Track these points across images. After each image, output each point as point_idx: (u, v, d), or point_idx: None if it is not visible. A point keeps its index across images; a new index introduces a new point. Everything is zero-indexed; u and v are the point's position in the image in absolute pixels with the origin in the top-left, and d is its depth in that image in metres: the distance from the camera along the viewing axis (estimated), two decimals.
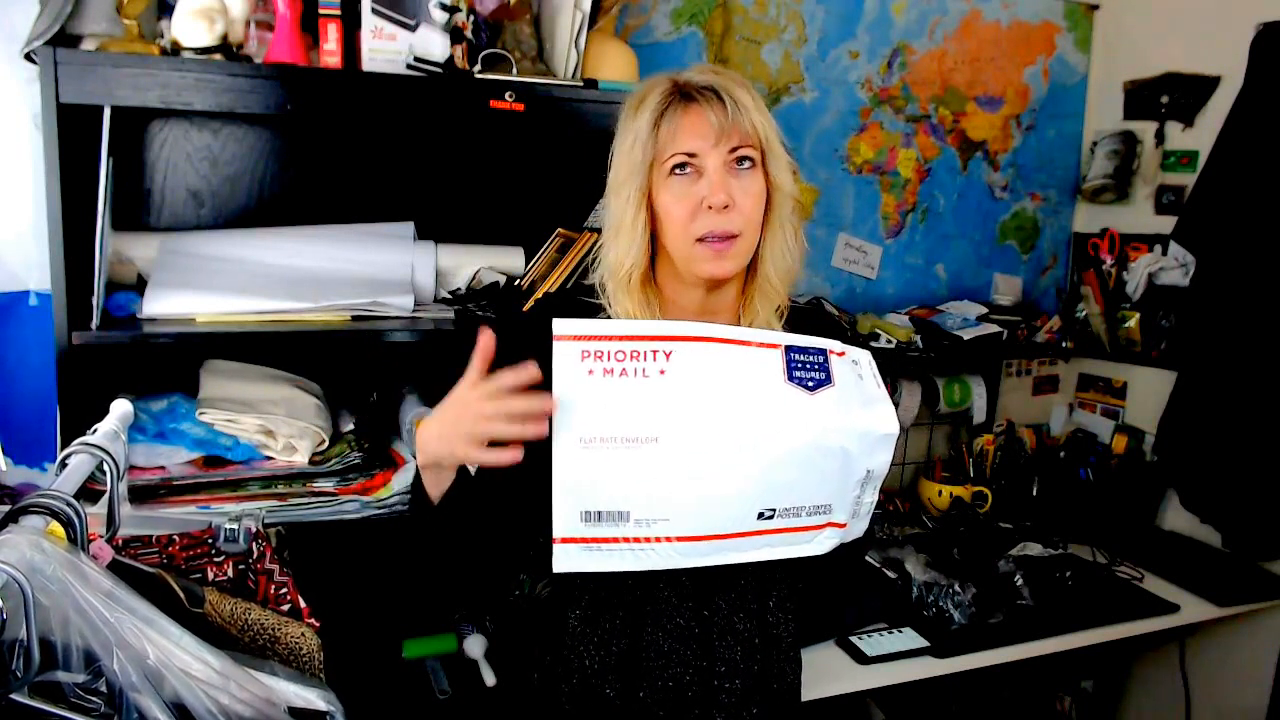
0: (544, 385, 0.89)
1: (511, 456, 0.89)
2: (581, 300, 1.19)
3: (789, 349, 0.95)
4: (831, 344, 0.99)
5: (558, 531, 0.89)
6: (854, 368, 1.00)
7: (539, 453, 0.90)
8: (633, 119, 1.13)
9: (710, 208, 1.08)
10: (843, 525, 1.01)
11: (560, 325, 0.87)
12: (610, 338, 0.88)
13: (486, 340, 0.95)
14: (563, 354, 0.87)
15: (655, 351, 0.88)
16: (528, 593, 1.86)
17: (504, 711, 1.62)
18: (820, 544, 1.00)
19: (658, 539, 0.91)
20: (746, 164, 1.11)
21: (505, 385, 0.91)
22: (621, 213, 1.13)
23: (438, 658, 1.73)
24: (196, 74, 1.45)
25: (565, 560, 0.90)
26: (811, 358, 0.96)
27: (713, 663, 1.16)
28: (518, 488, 0.99)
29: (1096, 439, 2.70)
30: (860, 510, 1.03)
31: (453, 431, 0.94)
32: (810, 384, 0.94)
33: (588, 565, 0.91)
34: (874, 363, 1.04)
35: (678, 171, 1.10)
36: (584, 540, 0.90)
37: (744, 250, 1.13)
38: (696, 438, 0.89)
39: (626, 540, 0.90)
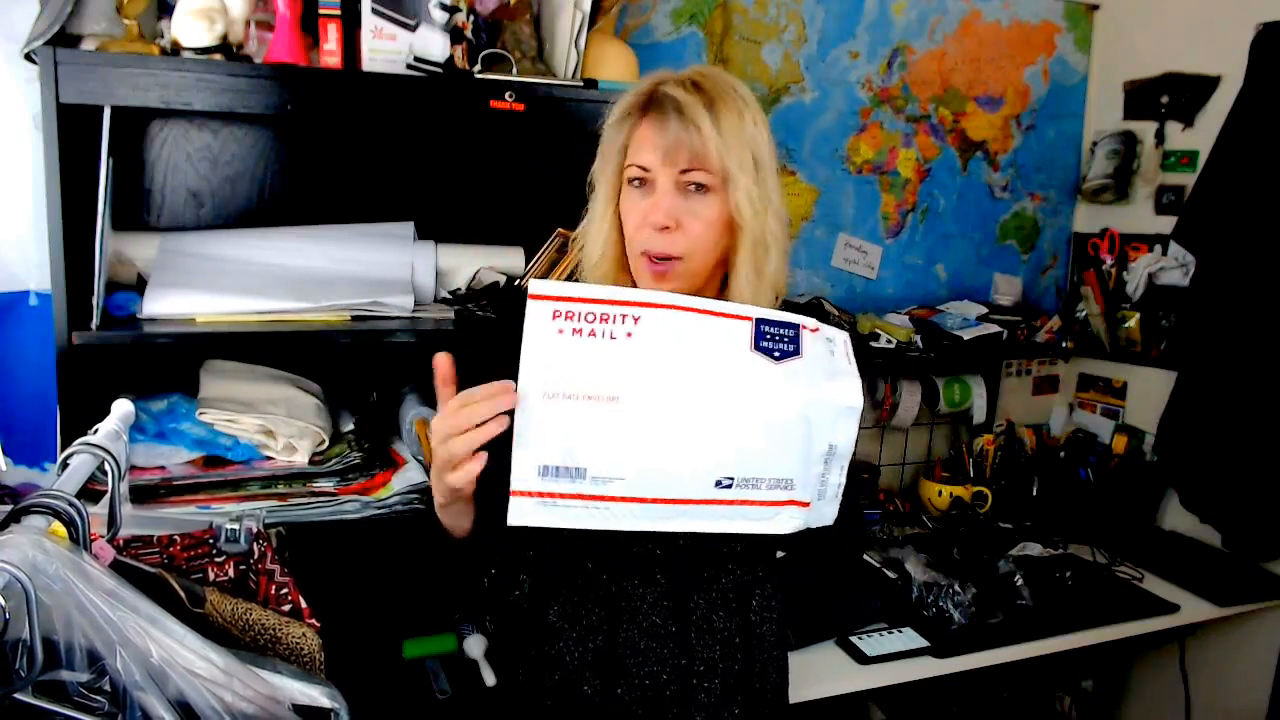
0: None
1: (472, 470, 0.91)
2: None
3: (760, 321, 0.96)
4: (806, 320, 0.99)
5: (515, 484, 0.89)
6: (827, 344, 1.00)
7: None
8: (612, 116, 1.14)
9: (651, 226, 1.08)
10: (806, 504, 1.00)
11: (536, 285, 0.89)
12: (582, 300, 0.90)
13: (443, 366, 0.95)
14: (535, 312, 0.88)
15: (624, 316, 0.90)
16: (528, 592, 1.85)
17: (503, 711, 1.62)
18: (782, 523, 0.99)
19: (613, 498, 0.91)
20: (700, 189, 1.08)
21: (461, 400, 0.92)
22: (594, 208, 1.16)
23: (438, 658, 1.73)
24: (196, 74, 1.45)
25: (520, 514, 0.90)
26: (782, 330, 0.96)
27: (691, 661, 1.15)
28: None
29: (1096, 439, 2.70)
30: (826, 492, 1.02)
31: (433, 465, 0.95)
32: (776, 354, 0.95)
33: (542, 520, 0.91)
34: (850, 343, 1.03)
35: (632, 183, 1.11)
36: (540, 494, 0.90)
37: (688, 273, 1.11)
38: (655, 399, 0.90)
39: (582, 497, 0.91)
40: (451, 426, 0.91)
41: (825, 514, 1.03)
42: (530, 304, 0.88)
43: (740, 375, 0.93)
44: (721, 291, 1.16)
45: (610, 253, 1.16)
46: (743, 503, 0.96)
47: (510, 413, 0.90)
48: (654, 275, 1.10)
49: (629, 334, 0.90)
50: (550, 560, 1.19)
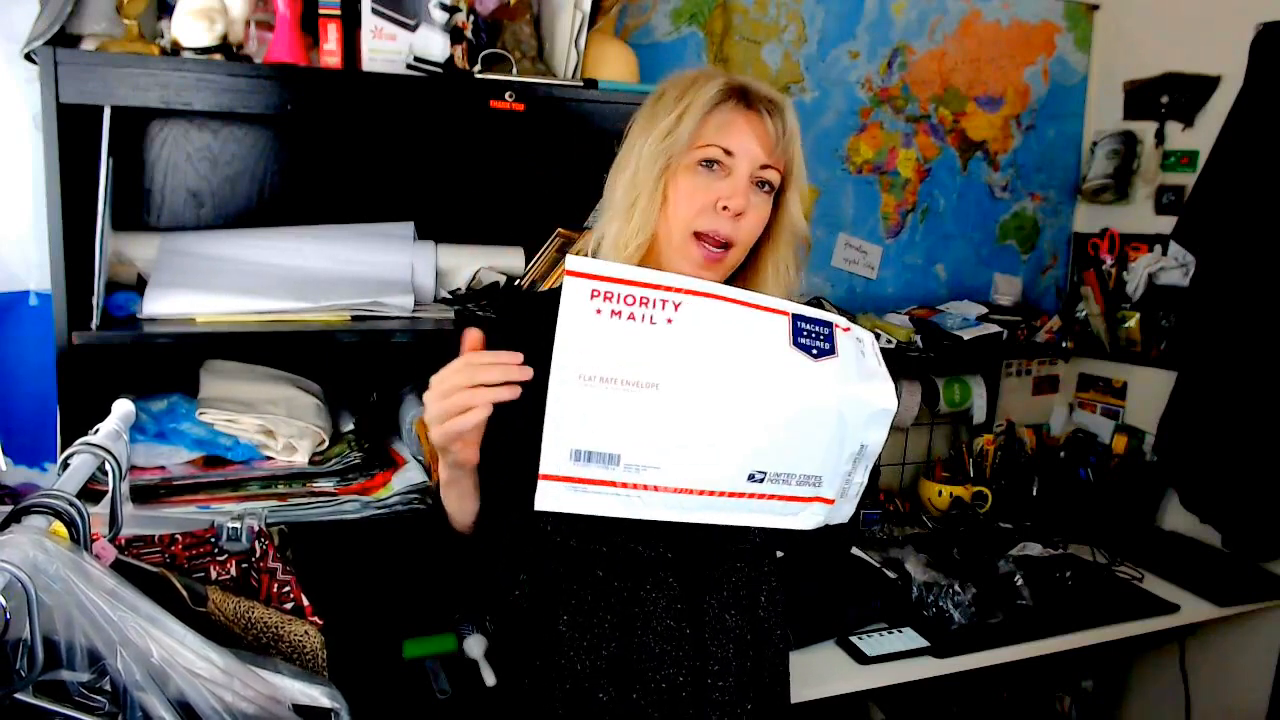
0: (536, 383, 0.89)
1: (478, 415, 0.92)
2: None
3: (796, 317, 0.96)
4: (838, 319, 1.00)
5: (545, 468, 0.87)
6: (858, 344, 1.00)
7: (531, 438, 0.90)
8: (676, 102, 1.13)
9: (725, 209, 1.10)
10: (830, 502, 1.00)
11: (573, 262, 0.87)
12: (622, 281, 0.88)
13: (473, 337, 0.96)
14: (572, 290, 0.86)
15: (665, 301, 0.89)
16: (528, 593, 1.85)
17: (503, 712, 1.61)
18: (806, 518, 0.99)
19: (646, 486, 0.90)
20: (765, 186, 1.14)
21: (468, 358, 0.93)
22: (638, 188, 1.13)
23: (438, 658, 1.72)
24: (196, 74, 1.45)
25: (549, 498, 0.88)
26: (817, 328, 0.97)
27: (705, 662, 1.15)
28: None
29: (1096, 439, 2.70)
30: (849, 491, 1.02)
31: (429, 414, 0.95)
32: (814, 351, 0.95)
33: (572, 505, 0.89)
34: (877, 344, 1.05)
35: (704, 165, 1.11)
36: (571, 479, 0.88)
37: (731, 263, 1.15)
38: (696, 389, 0.90)
39: (614, 484, 0.89)
40: (458, 379, 0.92)
41: (843, 512, 1.04)
42: (568, 281, 0.86)
43: (779, 370, 0.93)
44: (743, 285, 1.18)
45: (647, 232, 1.14)
46: (771, 497, 0.96)
47: (531, 389, 0.89)
48: (709, 260, 1.12)
49: (669, 320, 0.89)
50: (554, 563, 1.18)
